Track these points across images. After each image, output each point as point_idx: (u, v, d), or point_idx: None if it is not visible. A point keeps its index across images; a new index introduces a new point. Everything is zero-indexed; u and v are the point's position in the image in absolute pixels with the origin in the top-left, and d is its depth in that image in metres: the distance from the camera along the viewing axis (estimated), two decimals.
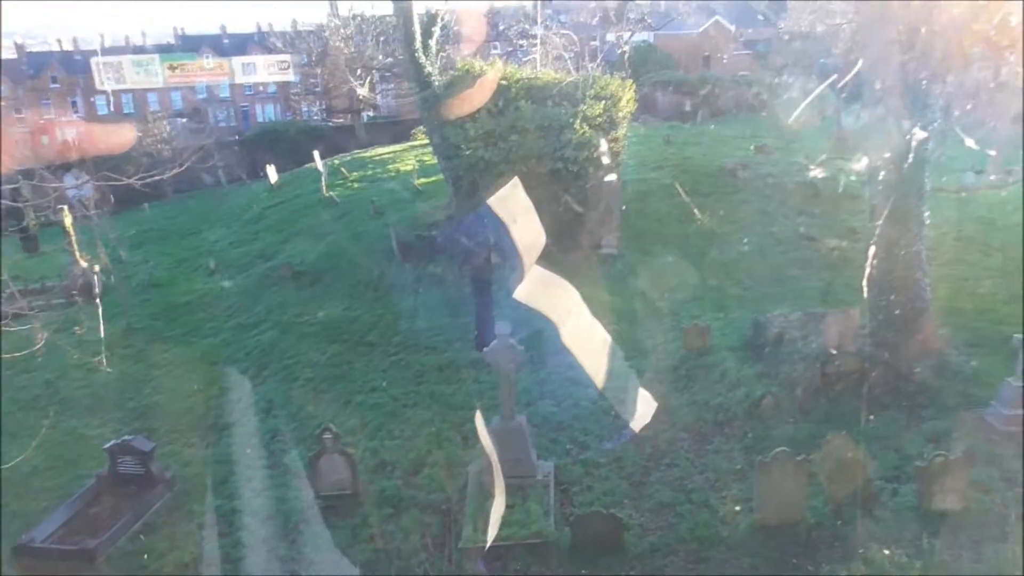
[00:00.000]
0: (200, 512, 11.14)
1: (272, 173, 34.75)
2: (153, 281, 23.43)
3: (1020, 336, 11.60)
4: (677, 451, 11.87)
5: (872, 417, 12.16)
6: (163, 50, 60.00)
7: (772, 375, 13.43)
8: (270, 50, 56.28)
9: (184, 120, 55.67)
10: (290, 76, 53.22)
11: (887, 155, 12.79)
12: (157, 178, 7.61)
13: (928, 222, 13.64)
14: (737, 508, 10.23)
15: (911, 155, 12.56)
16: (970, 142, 12.73)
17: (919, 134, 12.37)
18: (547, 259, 17.56)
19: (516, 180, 3.63)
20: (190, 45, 62.23)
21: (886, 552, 8.81)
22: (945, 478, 9.69)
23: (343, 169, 32.53)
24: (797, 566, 9.11)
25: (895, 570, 8.40)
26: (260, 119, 60.85)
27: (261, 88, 60.51)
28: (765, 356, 14.09)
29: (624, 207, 21.69)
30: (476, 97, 20.10)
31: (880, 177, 13.11)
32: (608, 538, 9.55)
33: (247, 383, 15.69)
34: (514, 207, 3.54)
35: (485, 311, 15.56)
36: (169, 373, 16.77)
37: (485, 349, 10.75)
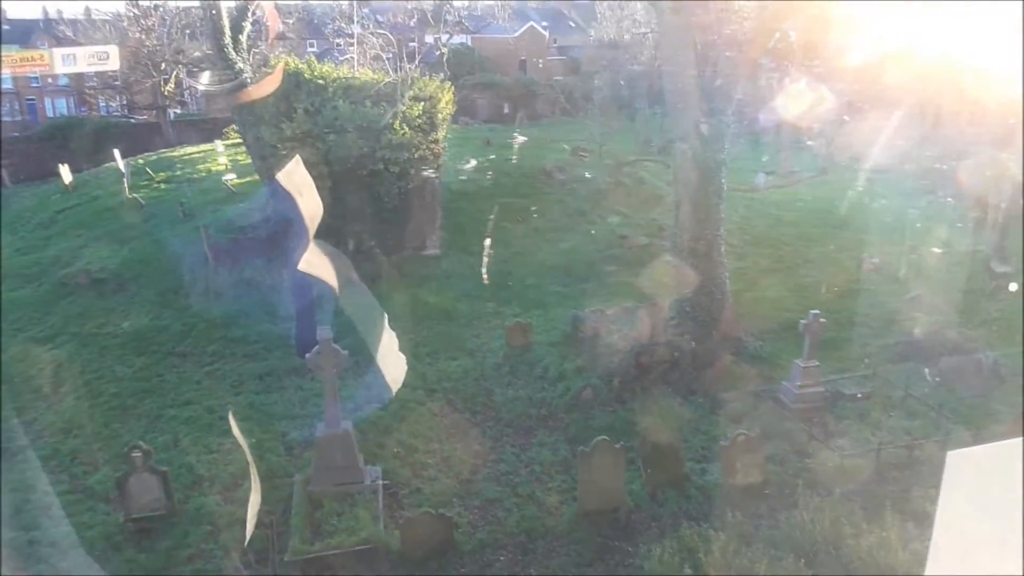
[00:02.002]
0: None
1: (66, 173, 31.88)
2: None
3: (805, 322, 12.83)
4: (503, 447, 12.11)
5: (681, 402, 13.00)
6: None
7: (591, 368, 14.00)
8: (58, 39, 51.55)
9: None
10: (112, 66, 48.71)
11: (688, 158, 13.70)
12: None
13: (725, 220, 14.76)
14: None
15: (707, 157, 13.53)
16: None
17: (711, 137, 13.34)
18: (371, 260, 17.41)
19: (297, 157, 3.64)
20: None
21: (694, 528, 9.44)
22: (745, 455, 10.55)
23: (148, 169, 30.42)
24: (617, 548, 9.57)
25: (702, 543, 9.01)
26: (51, 114, 55.64)
27: (50, 80, 55.30)
28: (584, 350, 14.68)
29: (445, 208, 21.84)
30: (291, 95, 19.47)
31: (683, 179, 14.03)
32: (438, 538, 9.58)
33: (41, 402, 14.31)
34: (299, 182, 3.57)
35: (306, 315, 15.09)
36: None
37: (307, 355, 10.44)
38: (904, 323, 15.60)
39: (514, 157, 28.24)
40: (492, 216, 22.13)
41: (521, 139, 28.13)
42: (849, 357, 14.55)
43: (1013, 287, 14.95)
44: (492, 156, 29.15)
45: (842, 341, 14.92)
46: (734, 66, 14.16)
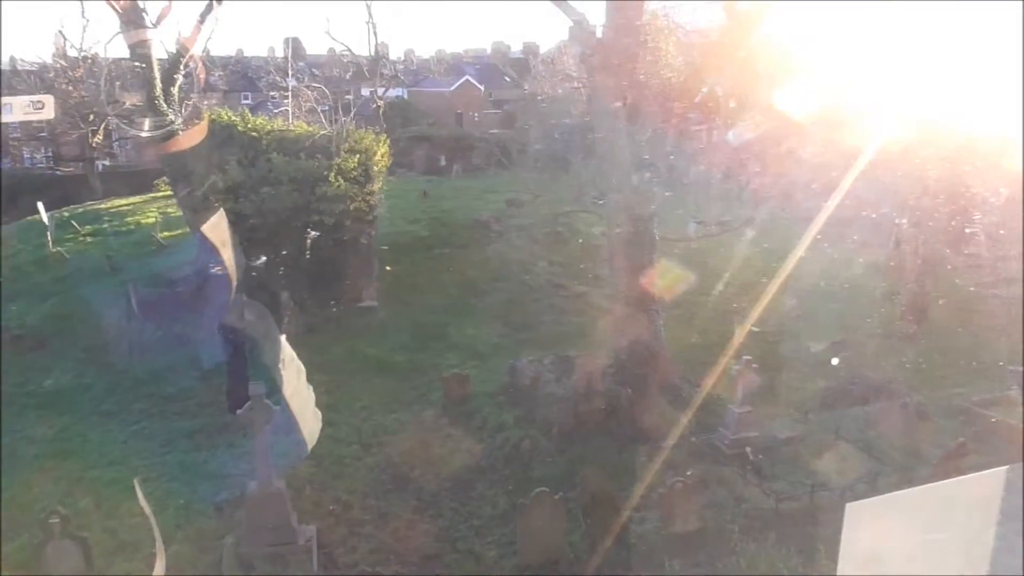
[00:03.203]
0: None
1: None
2: None
3: (738, 367, 13.09)
4: (442, 501, 11.92)
5: (620, 450, 13.04)
6: None
7: (530, 419, 13.97)
8: None
9: None
10: (48, 115, 47.19)
11: (620, 209, 14.00)
12: None
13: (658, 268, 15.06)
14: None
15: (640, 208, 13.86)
16: None
17: (642, 188, 13.69)
18: (306, 313, 17.12)
19: (222, 211, 3.64)
20: None
21: None
22: (683, 502, 10.59)
23: (74, 222, 29.55)
24: None
25: None
26: None
27: None
28: (523, 400, 14.65)
29: (382, 260, 21.77)
30: (224, 147, 19.30)
31: (616, 229, 14.31)
32: None
33: None
34: (222, 235, 3.56)
35: (238, 371, 14.75)
36: None
37: (238, 411, 10.18)
38: (830, 367, 16.04)
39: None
40: (429, 267, 22.14)
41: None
42: (781, 402, 14.85)
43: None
44: (429, 207, 29.24)
45: (775, 386, 15.22)
46: (664, 119, 14.63)
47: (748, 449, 12.76)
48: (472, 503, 11.86)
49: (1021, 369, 15.12)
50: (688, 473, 11.28)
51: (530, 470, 12.59)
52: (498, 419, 14.14)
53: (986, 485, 1.82)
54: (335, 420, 14.46)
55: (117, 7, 18.09)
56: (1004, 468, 1.85)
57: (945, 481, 1.89)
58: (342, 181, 19.43)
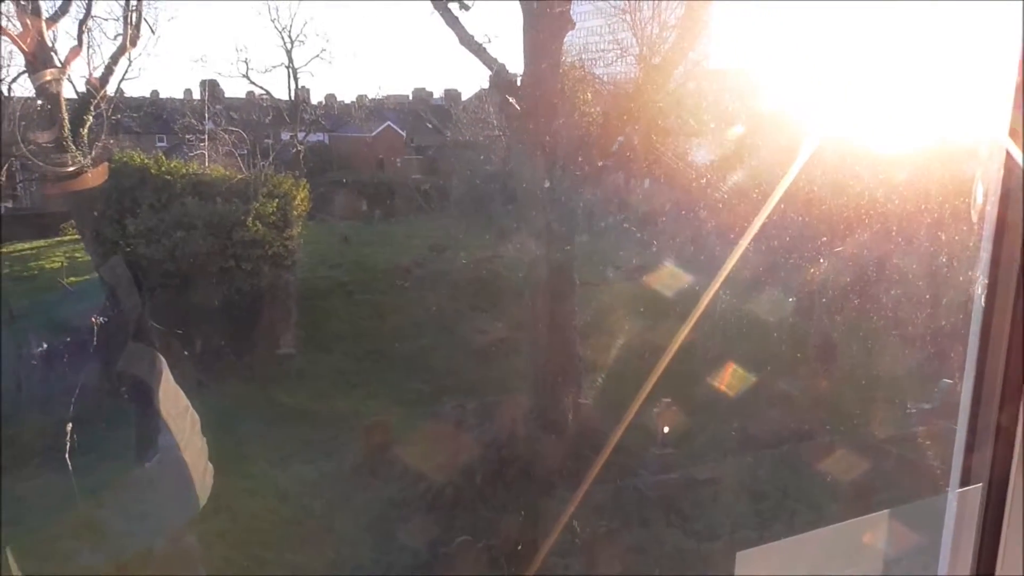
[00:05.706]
0: None
1: None
2: None
3: (658, 410, 13.30)
4: (359, 552, 11.64)
5: (543, 496, 13.00)
6: None
7: (451, 465, 13.80)
8: None
9: None
10: None
11: (540, 254, 14.19)
12: None
13: (578, 312, 15.26)
14: None
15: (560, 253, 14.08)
16: None
17: (561, 234, 13.94)
18: (222, 361, 16.67)
19: (119, 257, 3.52)
20: None
21: None
22: (606, 547, 10.62)
23: None
24: None
25: None
26: None
27: None
28: (445, 447, 14.48)
29: (301, 306, 21.39)
30: (136, 190, 18.79)
31: (536, 275, 14.49)
32: None
33: None
34: (124, 280, 3.44)
35: (147, 422, 14.15)
36: None
37: (147, 464, 9.76)
38: (745, 408, 16.42)
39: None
40: (350, 313, 21.85)
41: None
42: (699, 443, 15.10)
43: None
44: (350, 252, 28.99)
45: (694, 428, 15.48)
46: (582, 167, 14.96)
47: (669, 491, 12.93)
48: (393, 553, 11.60)
49: (925, 406, 15.85)
50: (610, 516, 11.35)
51: (453, 518, 12.41)
52: (420, 466, 13.93)
53: (872, 528, 1.88)
54: (251, 472, 14.00)
55: (24, 47, 17.58)
56: (887, 511, 1.92)
57: (833, 526, 1.94)
58: (260, 226, 19.12)
